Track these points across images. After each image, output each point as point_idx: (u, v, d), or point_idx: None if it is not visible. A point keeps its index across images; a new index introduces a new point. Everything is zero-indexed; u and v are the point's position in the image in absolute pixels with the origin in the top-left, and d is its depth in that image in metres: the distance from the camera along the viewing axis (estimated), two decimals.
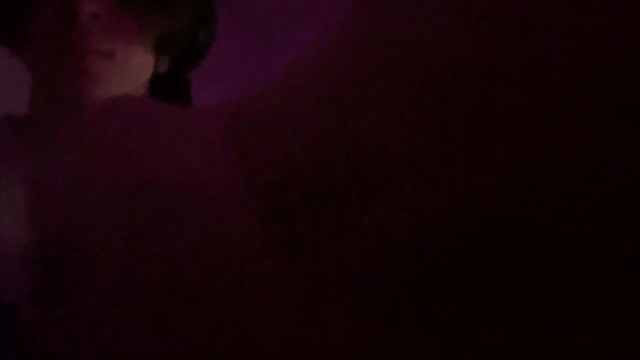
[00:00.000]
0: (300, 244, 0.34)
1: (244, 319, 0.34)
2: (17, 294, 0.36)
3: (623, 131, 0.31)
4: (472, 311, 0.33)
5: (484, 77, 0.33)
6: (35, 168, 0.96)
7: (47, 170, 0.38)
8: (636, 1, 0.31)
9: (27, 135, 1.09)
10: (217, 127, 0.39)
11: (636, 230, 0.31)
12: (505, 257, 0.32)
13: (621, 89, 0.31)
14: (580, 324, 0.32)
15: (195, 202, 0.35)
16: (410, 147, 0.33)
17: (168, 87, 1.08)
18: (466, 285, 0.33)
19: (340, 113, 0.34)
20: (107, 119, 0.39)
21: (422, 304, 0.33)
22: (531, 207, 0.32)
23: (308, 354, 0.33)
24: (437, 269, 0.33)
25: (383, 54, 0.34)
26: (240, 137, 0.38)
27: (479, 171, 0.32)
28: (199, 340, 0.34)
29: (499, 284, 0.32)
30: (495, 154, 0.32)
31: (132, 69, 1.02)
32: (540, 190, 0.32)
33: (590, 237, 0.31)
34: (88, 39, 0.98)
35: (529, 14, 0.32)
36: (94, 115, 0.40)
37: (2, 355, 0.68)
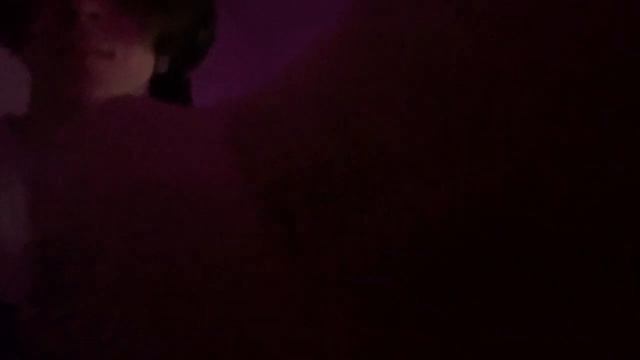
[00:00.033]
0: (300, 244, 0.34)
1: (244, 318, 0.34)
2: (17, 294, 0.36)
3: (623, 131, 0.31)
4: (472, 311, 0.33)
5: (484, 77, 0.33)
6: (35, 168, 0.96)
7: (47, 170, 0.38)
8: (636, 1, 0.31)
9: (27, 135, 1.09)
10: (217, 127, 0.39)
11: (636, 230, 0.31)
12: (505, 257, 0.32)
13: (621, 89, 0.31)
14: (580, 324, 0.32)
15: (195, 202, 0.35)
16: (410, 147, 0.33)
17: (168, 87, 1.08)
18: (466, 285, 0.33)
19: (340, 113, 0.34)
20: (107, 118, 0.39)
21: (422, 304, 0.33)
22: (531, 207, 0.32)
23: (308, 354, 0.33)
24: (437, 268, 0.33)
25: (383, 53, 0.34)
26: (240, 137, 0.38)
27: (478, 171, 0.32)
28: (199, 340, 0.34)
29: (499, 284, 0.32)
30: (495, 154, 0.32)
31: (132, 69, 1.01)
32: (540, 190, 0.32)
33: (590, 237, 0.31)
34: (88, 39, 0.98)
35: (529, 13, 0.32)
36: (94, 115, 0.40)
37: (2, 355, 0.68)
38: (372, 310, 0.33)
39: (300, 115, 0.36)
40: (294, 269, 0.34)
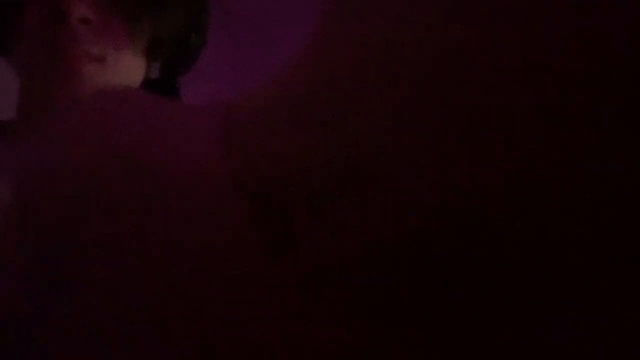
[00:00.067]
0: (297, 243, 0.34)
1: (241, 317, 0.34)
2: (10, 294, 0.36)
3: (623, 131, 0.31)
4: (472, 311, 0.33)
5: (483, 77, 0.33)
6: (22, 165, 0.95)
7: (34, 159, 0.37)
8: (636, 1, 0.31)
9: (16, 139, 1.09)
10: (209, 125, 0.39)
11: (636, 230, 0.31)
12: (505, 257, 0.32)
13: (622, 89, 0.31)
14: (581, 324, 0.32)
15: (186, 190, 0.35)
16: (408, 146, 0.33)
17: (159, 91, 1.08)
18: (465, 286, 0.33)
19: (336, 111, 0.34)
20: (99, 104, 0.39)
21: (421, 304, 0.33)
22: (531, 207, 0.32)
23: (306, 354, 0.33)
24: (436, 267, 0.33)
25: (375, 51, 0.34)
26: (234, 136, 0.37)
27: (477, 170, 0.32)
28: (193, 338, 0.34)
29: (499, 284, 0.32)
30: (495, 153, 0.32)
31: (122, 73, 1.01)
32: (540, 190, 0.32)
33: (590, 237, 0.31)
34: (78, 42, 0.97)
35: (529, 11, 0.32)
36: (85, 104, 0.40)
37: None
38: (370, 309, 0.33)
39: (296, 113, 0.36)
40: (289, 268, 0.34)
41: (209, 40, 1.07)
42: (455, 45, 0.33)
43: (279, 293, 0.34)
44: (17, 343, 0.35)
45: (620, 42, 0.31)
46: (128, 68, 1.01)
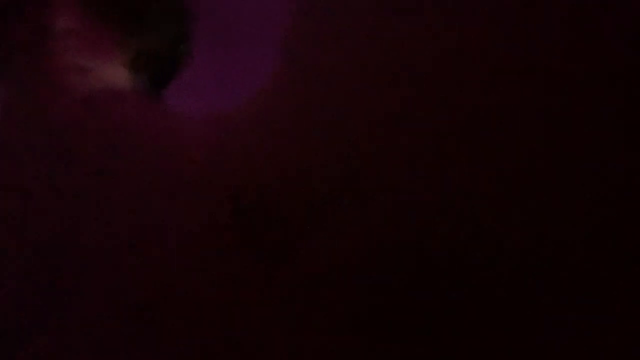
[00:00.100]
0: (297, 246, 0.34)
1: (240, 320, 0.34)
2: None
3: (623, 131, 0.31)
4: (472, 313, 0.32)
5: (482, 77, 0.33)
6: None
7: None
8: (636, 1, 0.31)
9: None
10: (201, 132, 0.39)
11: (636, 230, 0.31)
12: (505, 258, 0.32)
13: (622, 89, 0.31)
14: (581, 325, 0.32)
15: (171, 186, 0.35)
16: (408, 147, 0.33)
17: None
18: (465, 287, 0.33)
19: (336, 113, 0.34)
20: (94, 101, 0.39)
21: (420, 306, 0.33)
22: (531, 208, 0.32)
23: (306, 356, 0.33)
24: (436, 270, 0.33)
25: (371, 53, 0.34)
26: (231, 143, 0.37)
27: (477, 172, 0.32)
28: (193, 342, 0.33)
29: (499, 286, 0.32)
30: (495, 154, 0.32)
31: (108, 85, 1.01)
32: (539, 190, 0.32)
33: (590, 238, 0.32)
34: (63, 54, 0.97)
35: (528, 10, 0.32)
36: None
37: None
38: (369, 310, 0.33)
39: (294, 117, 0.36)
40: (289, 270, 0.33)
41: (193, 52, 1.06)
42: (455, 46, 0.33)
43: (278, 296, 0.34)
44: (16, 350, 0.34)
45: (620, 43, 0.31)
46: (113, 80, 1.01)
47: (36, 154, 0.39)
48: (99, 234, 0.35)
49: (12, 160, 0.37)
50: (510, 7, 0.33)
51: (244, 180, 0.36)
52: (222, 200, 0.36)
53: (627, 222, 0.31)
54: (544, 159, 0.32)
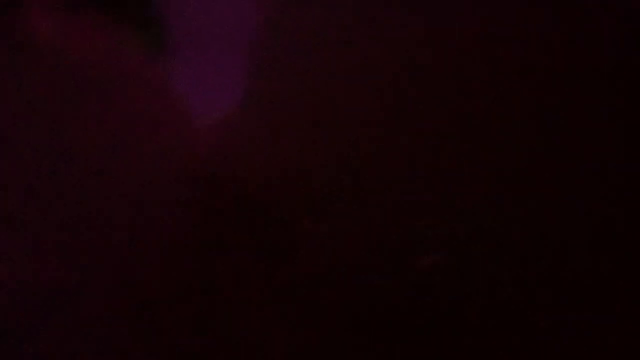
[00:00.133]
0: (297, 245, 0.34)
1: (240, 319, 0.34)
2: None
3: (623, 131, 0.31)
4: (473, 312, 0.32)
5: (481, 77, 0.33)
6: None
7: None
8: (636, 1, 0.31)
9: None
10: (200, 133, 0.39)
11: (636, 230, 0.31)
12: (506, 258, 0.32)
13: (622, 89, 0.31)
14: (581, 325, 0.32)
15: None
16: (407, 146, 0.33)
17: None
18: (466, 286, 0.33)
19: (334, 112, 0.34)
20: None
21: (421, 306, 0.33)
22: (531, 207, 0.32)
23: (306, 356, 0.33)
24: (436, 270, 0.33)
25: (372, 52, 0.34)
26: (226, 146, 0.37)
27: (477, 171, 0.32)
28: (192, 341, 0.33)
29: (500, 285, 0.32)
30: (494, 154, 0.32)
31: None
32: (540, 190, 0.32)
33: (591, 237, 0.32)
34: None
35: (528, 10, 0.32)
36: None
37: None
38: (369, 310, 0.33)
39: (291, 119, 0.36)
40: (289, 270, 0.33)
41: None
42: (455, 46, 0.33)
43: (279, 296, 0.34)
44: (16, 350, 0.34)
45: (620, 42, 0.31)
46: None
47: (37, 152, 0.39)
48: (99, 233, 0.35)
49: (13, 159, 0.37)
50: (511, 7, 0.33)
51: (244, 180, 0.36)
52: (222, 200, 0.36)
53: (627, 222, 0.31)
54: (544, 159, 0.32)
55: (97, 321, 0.34)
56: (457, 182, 0.33)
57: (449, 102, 0.33)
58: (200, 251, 0.35)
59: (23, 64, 0.40)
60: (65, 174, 0.37)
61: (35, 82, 0.36)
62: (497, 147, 0.32)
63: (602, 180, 0.31)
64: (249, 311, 0.34)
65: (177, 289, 0.34)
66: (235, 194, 0.36)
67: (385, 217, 0.33)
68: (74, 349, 0.34)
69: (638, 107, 0.31)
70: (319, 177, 0.34)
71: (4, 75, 0.37)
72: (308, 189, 0.34)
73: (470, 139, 0.33)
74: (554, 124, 0.32)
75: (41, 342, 0.35)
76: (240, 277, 0.35)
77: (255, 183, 0.35)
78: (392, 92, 0.34)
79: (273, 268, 0.34)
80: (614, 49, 0.31)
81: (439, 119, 0.33)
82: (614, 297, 0.32)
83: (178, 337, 0.34)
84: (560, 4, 0.32)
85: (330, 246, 0.34)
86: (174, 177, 0.37)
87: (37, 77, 0.36)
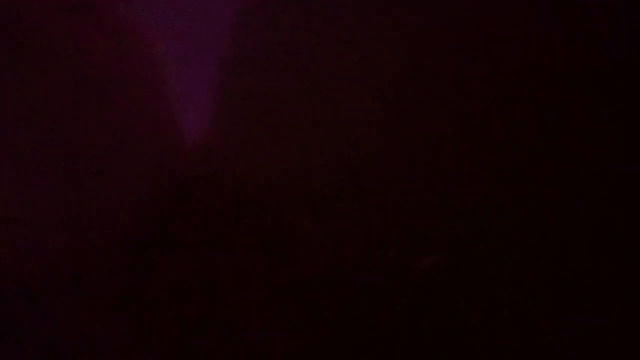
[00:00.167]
0: (297, 245, 0.34)
1: (239, 319, 0.34)
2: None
3: (623, 131, 0.31)
4: (472, 311, 0.32)
5: (482, 76, 0.33)
6: None
7: None
8: (636, 5, 0.31)
9: None
10: (200, 134, 0.39)
11: (636, 230, 0.31)
12: (506, 255, 0.32)
13: (622, 89, 0.31)
14: (581, 325, 0.32)
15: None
16: (408, 147, 0.33)
17: None
18: (466, 285, 0.32)
19: (334, 112, 0.34)
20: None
21: (421, 306, 0.33)
22: (531, 207, 0.32)
23: (306, 355, 0.33)
24: (439, 267, 0.33)
25: (372, 52, 0.34)
26: (226, 146, 0.37)
27: (477, 171, 0.32)
28: (191, 339, 0.33)
29: (500, 284, 0.32)
30: (494, 153, 0.32)
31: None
32: (540, 190, 0.32)
33: (591, 237, 0.32)
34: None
35: (528, 10, 0.32)
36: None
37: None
38: (369, 308, 0.33)
39: (291, 120, 0.36)
40: (282, 274, 0.33)
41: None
42: (455, 46, 0.33)
43: (279, 296, 0.34)
44: (18, 343, 0.34)
45: (620, 43, 0.31)
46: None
47: (37, 152, 0.39)
48: (99, 233, 0.35)
49: (13, 159, 0.37)
50: (511, 7, 0.33)
51: (244, 180, 0.36)
52: (222, 200, 0.36)
53: (627, 222, 0.31)
54: (544, 159, 0.32)
55: (98, 320, 0.34)
56: (457, 182, 0.33)
57: (449, 102, 0.33)
58: (200, 251, 0.35)
59: (23, 64, 0.40)
60: (66, 174, 0.37)
61: (35, 82, 0.36)
62: (497, 147, 0.32)
63: (602, 180, 0.31)
64: (249, 311, 0.34)
65: (177, 289, 0.34)
66: (236, 194, 0.36)
67: (385, 217, 0.33)
68: (74, 349, 0.34)
69: (638, 107, 0.31)
70: (319, 177, 0.34)
71: (4, 75, 0.37)
72: (308, 189, 0.34)
73: (470, 139, 0.33)
74: (554, 124, 0.32)
75: (41, 341, 0.35)
76: (240, 277, 0.34)
77: (255, 183, 0.35)
78: (392, 92, 0.34)
79: (273, 268, 0.34)
80: (614, 49, 0.31)
81: (439, 119, 0.33)
82: (614, 297, 0.32)
83: (178, 337, 0.34)
84: (560, 4, 0.32)
85: (330, 246, 0.34)
86: (174, 177, 0.37)
87: (37, 77, 0.36)
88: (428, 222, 0.33)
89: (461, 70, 0.33)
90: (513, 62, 0.32)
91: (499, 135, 0.32)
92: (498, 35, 0.33)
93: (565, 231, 0.32)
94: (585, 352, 0.32)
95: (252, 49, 0.37)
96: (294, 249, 0.34)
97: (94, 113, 0.38)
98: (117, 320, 0.34)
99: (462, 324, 0.32)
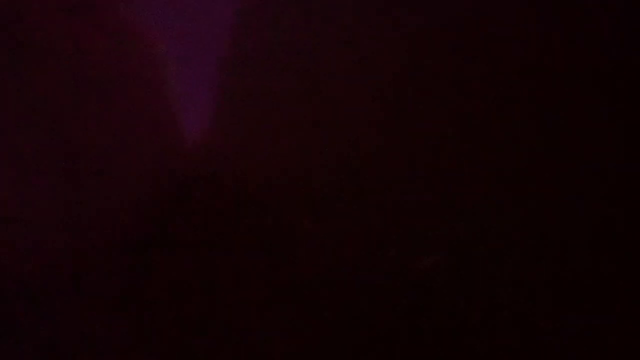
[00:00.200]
0: (297, 244, 0.34)
1: (240, 319, 0.34)
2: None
3: (623, 131, 0.31)
4: (473, 311, 0.32)
5: (482, 76, 0.33)
6: None
7: None
8: (636, 5, 0.31)
9: None
10: (200, 135, 0.39)
11: (636, 230, 0.31)
12: (506, 255, 0.32)
13: (622, 89, 0.31)
14: (581, 325, 0.32)
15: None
16: (408, 147, 0.33)
17: None
18: (467, 284, 0.32)
19: (334, 112, 0.34)
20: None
21: (421, 305, 0.33)
22: (531, 207, 0.32)
23: (307, 354, 0.33)
24: (439, 267, 0.33)
25: (372, 52, 0.34)
26: (226, 147, 0.37)
27: (477, 171, 0.32)
28: (190, 339, 0.33)
29: (500, 284, 0.32)
30: (494, 153, 0.32)
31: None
32: (540, 190, 0.32)
33: (591, 237, 0.32)
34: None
35: (528, 10, 0.32)
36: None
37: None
38: (369, 308, 0.33)
39: (291, 120, 0.36)
40: (282, 274, 0.33)
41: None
42: (455, 46, 0.33)
43: (279, 296, 0.34)
44: (19, 343, 0.34)
45: (620, 43, 0.31)
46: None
47: (38, 152, 0.39)
48: (99, 233, 0.35)
49: (14, 158, 0.37)
50: (511, 7, 0.33)
51: (244, 180, 0.36)
52: (222, 200, 0.36)
53: (627, 222, 0.31)
54: (544, 159, 0.32)
55: (98, 319, 0.34)
56: (457, 182, 0.33)
57: (449, 102, 0.33)
58: (200, 251, 0.35)
59: (23, 64, 0.40)
60: (66, 174, 0.37)
61: (35, 82, 0.36)
62: (497, 147, 0.32)
63: (602, 180, 0.31)
64: (249, 311, 0.34)
65: (177, 289, 0.34)
66: (235, 194, 0.36)
67: (385, 217, 0.33)
68: (74, 349, 0.34)
69: (638, 107, 0.31)
70: (319, 177, 0.34)
71: (4, 75, 0.37)
72: (308, 189, 0.34)
73: (470, 139, 0.33)
74: (554, 124, 0.32)
75: (41, 341, 0.35)
76: (240, 277, 0.34)
77: (255, 183, 0.35)
78: (392, 92, 0.34)
79: (273, 268, 0.34)
80: (614, 49, 0.31)
81: (439, 119, 0.33)
82: (614, 297, 0.32)
83: (178, 337, 0.34)
84: (560, 4, 0.32)
85: (330, 246, 0.34)
86: (174, 177, 0.37)
87: (37, 77, 0.36)
88: (428, 222, 0.33)
89: (461, 70, 0.33)
90: (513, 62, 0.32)
91: (499, 135, 0.32)
92: (498, 35, 0.33)
93: (565, 231, 0.32)
94: (585, 352, 0.32)
95: (252, 49, 0.37)
96: (294, 249, 0.34)
97: (94, 113, 0.38)
98: (117, 320, 0.34)
99: (462, 324, 0.32)
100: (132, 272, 0.35)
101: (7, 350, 0.35)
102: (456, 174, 0.33)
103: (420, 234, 0.33)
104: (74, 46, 0.39)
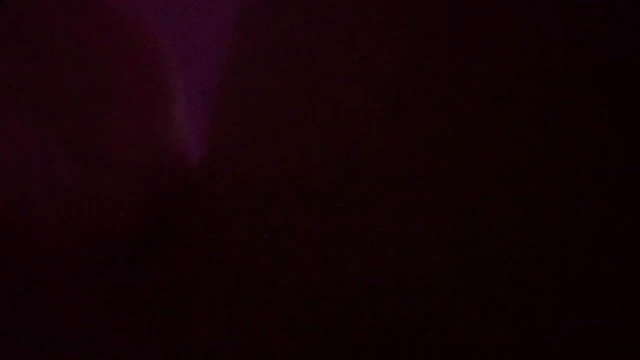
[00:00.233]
0: (297, 244, 0.34)
1: (240, 319, 0.34)
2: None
3: (623, 131, 0.31)
4: (473, 311, 0.32)
5: (482, 76, 0.33)
6: None
7: None
8: (636, 5, 0.31)
9: None
10: (200, 135, 0.39)
11: (636, 230, 0.31)
12: (507, 256, 0.32)
13: (622, 89, 0.31)
14: (581, 325, 0.32)
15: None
16: (408, 147, 0.33)
17: None
18: (465, 286, 0.33)
19: (334, 111, 0.34)
20: None
21: (421, 305, 0.33)
22: (531, 207, 0.32)
23: (307, 354, 0.33)
24: (439, 268, 0.33)
25: (372, 52, 0.34)
26: (226, 147, 0.37)
27: (477, 171, 0.32)
28: (189, 339, 0.33)
29: (501, 284, 0.32)
30: (494, 153, 0.32)
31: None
32: (540, 190, 0.32)
33: (591, 237, 0.32)
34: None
35: (528, 10, 0.32)
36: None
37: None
38: (370, 308, 0.33)
39: (291, 120, 0.36)
40: (281, 274, 0.34)
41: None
42: (455, 46, 0.33)
43: (279, 296, 0.34)
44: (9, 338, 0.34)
45: (620, 43, 0.31)
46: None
47: (37, 142, 0.39)
48: (99, 232, 0.35)
49: (14, 157, 0.37)
50: (510, 7, 0.33)
51: (244, 180, 0.36)
52: (222, 200, 0.36)
53: (627, 222, 0.31)
54: (544, 159, 0.32)
55: (98, 318, 0.34)
56: (457, 182, 0.33)
57: (449, 102, 0.33)
58: (201, 251, 0.36)
59: (23, 63, 0.41)
60: (65, 173, 0.37)
61: (35, 81, 0.36)
62: (497, 147, 0.32)
63: (602, 180, 0.31)
64: (249, 311, 0.34)
65: (177, 289, 0.35)
66: (235, 194, 0.36)
67: (385, 217, 0.33)
68: (74, 348, 0.34)
69: (638, 107, 0.31)
70: (319, 177, 0.34)
71: (3, 75, 0.37)
72: (308, 189, 0.34)
73: (470, 139, 0.33)
74: (554, 124, 0.32)
75: (41, 341, 0.35)
76: (240, 277, 0.35)
77: (255, 183, 0.35)
78: (392, 92, 0.34)
79: (273, 268, 0.34)
80: (614, 49, 0.31)
81: (439, 119, 0.33)
82: (614, 297, 0.32)
83: (178, 337, 0.34)
84: (560, 4, 0.32)
85: (330, 246, 0.34)
86: (174, 177, 0.37)
87: (37, 77, 0.36)
88: (428, 222, 0.33)
89: (461, 70, 0.33)
90: (513, 62, 0.32)
91: (499, 135, 0.32)
92: (498, 35, 0.33)
93: (565, 231, 0.32)
94: (585, 352, 0.32)
95: (252, 49, 0.37)
96: (294, 249, 0.34)
97: (94, 113, 0.38)
98: (117, 319, 0.35)
99: (462, 324, 0.33)
100: (132, 272, 0.35)
101: (6, 347, 0.35)
102: (456, 174, 0.33)
103: (420, 234, 0.33)
104: (74, 46, 0.39)
